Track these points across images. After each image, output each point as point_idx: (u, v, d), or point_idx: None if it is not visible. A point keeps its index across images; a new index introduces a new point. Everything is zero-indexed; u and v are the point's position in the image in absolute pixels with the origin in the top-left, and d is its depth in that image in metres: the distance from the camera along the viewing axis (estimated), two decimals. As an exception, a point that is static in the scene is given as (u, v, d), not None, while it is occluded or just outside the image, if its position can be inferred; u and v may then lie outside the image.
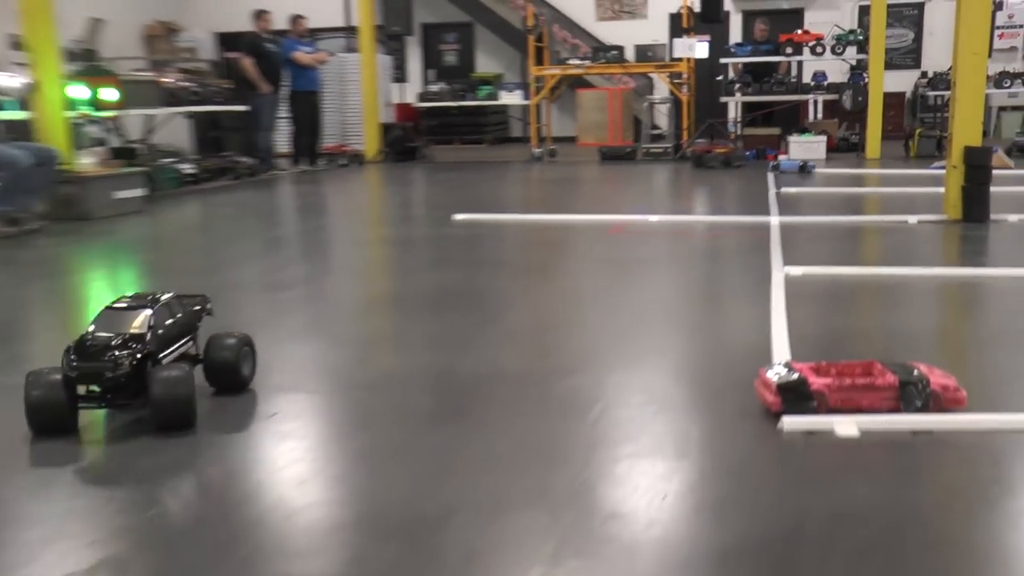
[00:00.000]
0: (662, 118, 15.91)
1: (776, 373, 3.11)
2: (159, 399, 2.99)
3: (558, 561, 2.16)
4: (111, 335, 3.07)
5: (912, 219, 7.37)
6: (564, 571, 2.12)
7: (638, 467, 2.74)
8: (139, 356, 3.04)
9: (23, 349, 4.51)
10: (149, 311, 3.17)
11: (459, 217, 8.11)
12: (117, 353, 3.01)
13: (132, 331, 3.09)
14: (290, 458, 2.89)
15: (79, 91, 9.43)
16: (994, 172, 7.41)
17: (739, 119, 15.42)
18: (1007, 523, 2.38)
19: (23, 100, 8.82)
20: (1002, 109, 16.29)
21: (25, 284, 6.13)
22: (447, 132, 18.19)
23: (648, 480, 2.64)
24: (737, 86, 14.69)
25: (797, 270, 5.39)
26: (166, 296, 3.34)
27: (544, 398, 3.37)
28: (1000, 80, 14.06)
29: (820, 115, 15.21)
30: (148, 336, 3.10)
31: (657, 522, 2.38)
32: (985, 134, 8.04)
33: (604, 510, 2.46)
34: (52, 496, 2.61)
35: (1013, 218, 7.21)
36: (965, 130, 7.21)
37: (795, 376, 3.06)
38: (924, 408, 2.98)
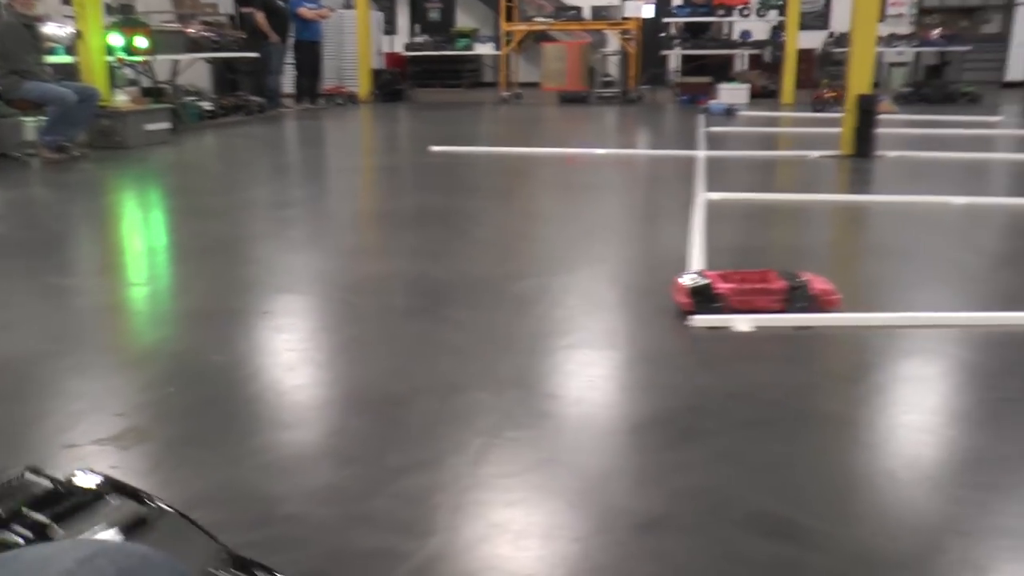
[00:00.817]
0: (613, 68, 15.72)
1: (690, 279, 3.15)
2: None
3: (498, 432, 2.19)
4: None
5: (813, 154, 7.39)
6: (502, 440, 2.15)
7: (573, 356, 2.77)
8: None
9: (71, 256, 4.47)
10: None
11: (436, 149, 8.02)
12: None
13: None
14: (283, 348, 2.89)
15: (116, 39, 9.23)
16: (881, 116, 7.48)
17: (678, 69, 15.35)
18: (866, 399, 2.43)
19: (70, 46, 8.72)
20: (892, 65, 16.31)
21: (71, 202, 6.03)
22: (429, 77, 17.90)
23: (579, 366, 2.67)
24: (677, 41, 14.63)
25: (717, 195, 5.40)
26: None
27: (499, 298, 3.38)
28: (890, 40, 14.26)
29: (746, 66, 15.22)
30: None
31: (585, 400, 2.41)
32: (877, 85, 8.06)
33: (542, 391, 2.48)
34: (91, 376, 2.62)
35: (893, 154, 7.28)
36: (858, 81, 7.23)
37: (704, 282, 3.09)
38: (806, 308, 3.03)
